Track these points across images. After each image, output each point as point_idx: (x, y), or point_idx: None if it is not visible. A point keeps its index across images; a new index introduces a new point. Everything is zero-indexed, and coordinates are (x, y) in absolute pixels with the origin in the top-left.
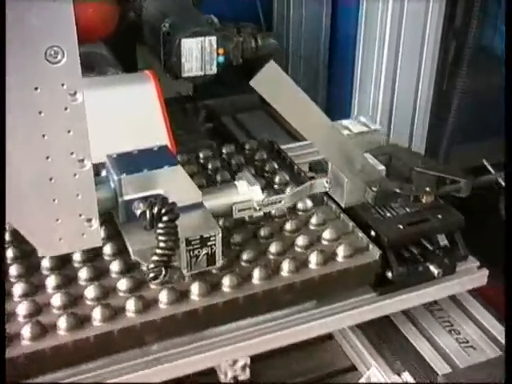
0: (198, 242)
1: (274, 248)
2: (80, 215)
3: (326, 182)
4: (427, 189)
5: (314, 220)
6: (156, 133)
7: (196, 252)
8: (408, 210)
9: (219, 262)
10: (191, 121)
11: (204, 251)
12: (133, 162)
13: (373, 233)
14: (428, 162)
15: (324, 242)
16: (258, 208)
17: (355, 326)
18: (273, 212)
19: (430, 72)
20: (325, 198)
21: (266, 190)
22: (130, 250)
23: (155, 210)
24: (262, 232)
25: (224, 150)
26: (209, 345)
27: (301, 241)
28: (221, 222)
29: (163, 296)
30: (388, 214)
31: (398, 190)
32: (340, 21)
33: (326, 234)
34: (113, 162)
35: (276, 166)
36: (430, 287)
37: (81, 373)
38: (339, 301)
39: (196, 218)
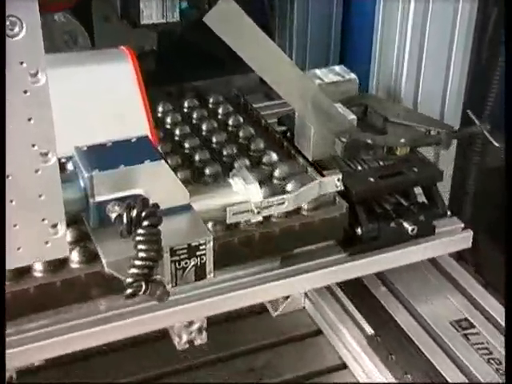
0: (184, 251)
1: None
2: (43, 220)
3: (338, 180)
4: (402, 140)
5: (277, 173)
6: (135, 121)
7: (183, 263)
8: (381, 163)
9: (210, 274)
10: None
11: (192, 262)
12: (107, 155)
13: (341, 186)
14: (410, 113)
15: None
16: (256, 211)
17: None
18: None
19: (466, 39)
20: (292, 152)
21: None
22: (104, 261)
23: (134, 213)
24: None
25: (186, 104)
26: (160, 306)
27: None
28: (210, 226)
29: None
30: (359, 168)
31: (369, 141)
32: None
33: (290, 187)
34: (82, 156)
35: (241, 120)
36: (407, 248)
37: (24, 331)
38: (305, 261)
39: (183, 222)
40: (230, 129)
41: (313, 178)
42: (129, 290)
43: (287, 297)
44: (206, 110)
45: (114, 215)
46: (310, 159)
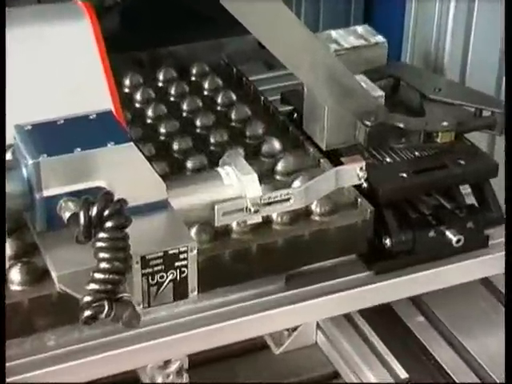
0: (160, 261)
1: None
2: None
3: (360, 169)
4: (444, 123)
5: (280, 167)
6: (94, 93)
7: (157, 277)
8: (417, 153)
9: (194, 293)
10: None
11: (170, 276)
12: (58, 136)
13: (364, 184)
14: (456, 87)
15: None
16: (253, 209)
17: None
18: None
19: None
20: (300, 138)
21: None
22: (53, 274)
23: (93, 211)
24: None
25: (161, 76)
26: (125, 340)
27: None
28: (193, 230)
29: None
30: (387, 159)
31: (402, 125)
32: None
33: (297, 185)
34: (25, 138)
35: (233, 97)
36: (450, 264)
37: None
38: (318, 281)
39: (158, 224)
40: (218, 109)
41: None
42: (87, 312)
43: (294, 328)
44: (187, 83)
45: (67, 214)
46: (324, 148)
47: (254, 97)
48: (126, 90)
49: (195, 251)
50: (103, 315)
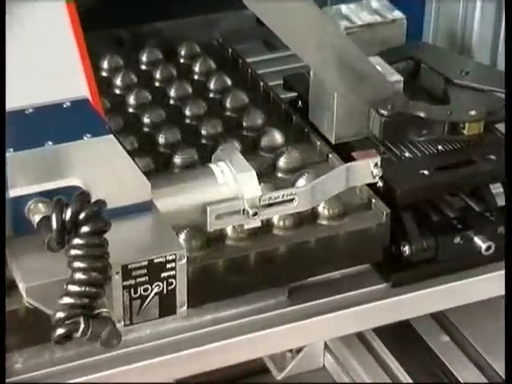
0: (143, 271)
1: None
2: None
3: (375, 166)
4: (472, 112)
5: (282, 163)
6: (67, 78)
7: (141, 290)
8: (440, 147)
9: (183, 308)
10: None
11: (155, 289)
12: (26, 128)
13: (380, 182)
14: (485, 71)
15: None
16: (251, 212)
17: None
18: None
19: None
20: (305, 130)
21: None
22: (21, 286)
23: (67, 214)
24: None
25: (144, 58)
26: (104, 363)
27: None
28: (182, 236)
29: None
30: (406, 154)
31: (423, 115)
32: None
33: (301, 183)
34: None
35: (228, 83)
36: (479, 275)
37: None
38: (326, 295)
39: (141, 228)
40: (211, 96)
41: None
42: (60, 331)
43: (298, 350)
44: (174, 66)
45: (37, 218)
46: (332, 141)
47: (252, 82)
48: (104, 74)
49: (184, 260)
50: (78, 334)
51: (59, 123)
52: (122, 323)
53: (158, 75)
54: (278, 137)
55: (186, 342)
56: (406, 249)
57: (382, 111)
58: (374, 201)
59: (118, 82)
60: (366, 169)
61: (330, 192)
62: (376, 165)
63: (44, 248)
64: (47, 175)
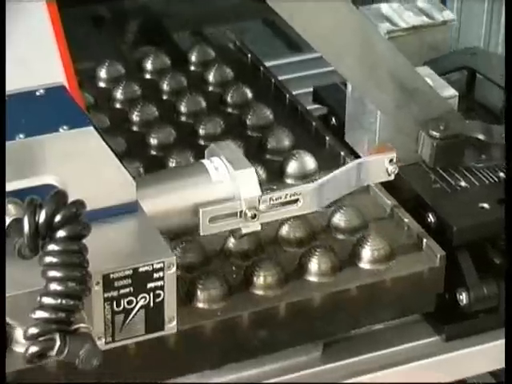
0: (128, 281)
1: (237, 244)
2: None
3: (390, 162)
4: None
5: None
6: (42, 61)
7: (125, 303)
8: (502, 174)
9: (172, 323)
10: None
11: (141, 301)
12: None
13: (431, 217)
14: None
15: (335, 234)
16: (250, 214)
17: None
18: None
19: None
20: (341, 153)
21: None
22: None
23: (41, 216)
24: None
25: (148, 66)
26: None
27: (288, 229)
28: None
29: None
30: (462, 183)
31: (481, 137)
32: None
33: (339, 219)
34: None
35: (249, 97)
36: None
37: None
38: (364, 350)
39: (125, 233)
40: (228, 111)
41: (378, 199)
42: (33, 348)
43: None
44: (185, 75)
45: (7, 220)
46: None
47: (277, 93)
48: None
49: (174, 268)
50: (54, 352)
51: (32, 113)
52: (103, 340)
53: (165, 86)
54: (308, 162)
55: None
56: (463, 297)
57: (434, 133)
58: (425, 240)
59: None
60: (380, 165)
61: (339, 192)
62: (391, 161)
63: (14, 255)
64: (18, 172)
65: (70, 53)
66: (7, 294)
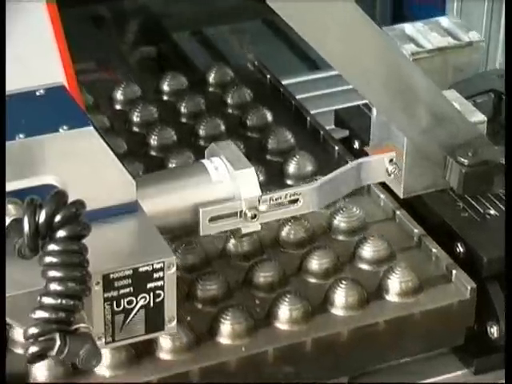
0: (128, 281)
1: (260, 275)
2: None
3: (391, 160)
4: None
5: (341, 222)
6: (42, 61)
7: (125, 303)
8: None
9: (172, 323)
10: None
11: (141, 301)
12: None
13: (460, 247)
14: None
15: (361, 265)
16: (250, 214)
17: None
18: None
19: None
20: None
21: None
22: None
23: (41, 216)
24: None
25: (166, 87)
26: None
27: (315, 261)
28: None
29: None
30: (492, 212)
31: None
32: None
33: (367, 250)
34: None
35: (269, 119)
36: None
37: None
38: (391, 383)
39: (125, 233)
40: (248, 134)
41: (405, 228)
42: (33, 348)
43: None
44: (203, 97)
45: (7, 220)
46: (401, 195)
47: (297, 116)
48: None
49: (174, 268)
50: (54, 352)
51: (32, 113)
52: (103, 340)
53: (183, 108)
54: None
55: None
56: (494, 330)
57: (462, 159)
58: (454, 271)
59: (136, 117)
60: (380, 165)
61: (340, 192)
62: (391, 161)
63: (14, 255)
64: (18, 172)
65: (70, 53)
66: (7, 294)
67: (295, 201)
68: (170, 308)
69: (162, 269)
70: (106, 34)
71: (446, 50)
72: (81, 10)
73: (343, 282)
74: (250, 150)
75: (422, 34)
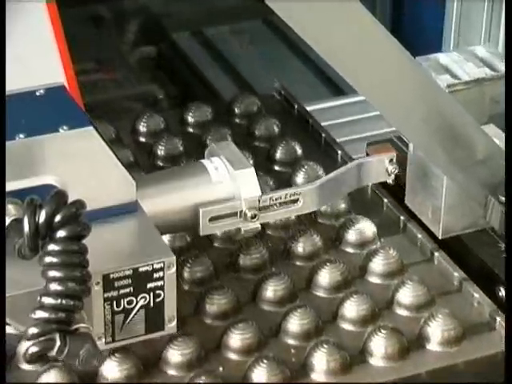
0: (128, 281)
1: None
2: None
3: (390, 161)
4: None
5: (376, 264)
6: (41, 61)
7: (125, 303)
8: None
9: (172, 323)
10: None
11: (141, 301)
12: None
13: (502, 291)
14: None
15: (400, 311)
16: (250, 214)
17: None
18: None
19: None
20: (401, 219)
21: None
22: None
23: (41, 216)
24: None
25: (190, 118)
26: None
27: (349, 307)
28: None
29: None
30: None
31: None
32: None
33: (406, 295)
34: None
35: (299, 152)
36: None
37: None
38: None
39: (125, 233)
40: (276, 169)
41: (444, 271)
42: (33, 349)
43: None
44: (228, 128)
45: (7, 220)
46: (439, 235)
47: (327, 150)
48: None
49: (174, 268)
50: (54, 352)
51: (32, 113)
52: (103, 340)
53: (208, 141)
54: (367, 228)
55: None
56: None
57: (503, 198)
58: (498, 318)
59: (160, 151)
60: (380, 165)
61: (340, 192)
62: (391, 161)
63: (14, 255)
64: (18, 172)
65: (70, 53)
66: (7, 294)
67: (295, 201)
68: (170, 308)
69: (161, 269)
70: (106, 34)
71: (483, 81)
72: (81, 10)
73: (382, 330)
74: (278, 185)
75: (457, 64)
